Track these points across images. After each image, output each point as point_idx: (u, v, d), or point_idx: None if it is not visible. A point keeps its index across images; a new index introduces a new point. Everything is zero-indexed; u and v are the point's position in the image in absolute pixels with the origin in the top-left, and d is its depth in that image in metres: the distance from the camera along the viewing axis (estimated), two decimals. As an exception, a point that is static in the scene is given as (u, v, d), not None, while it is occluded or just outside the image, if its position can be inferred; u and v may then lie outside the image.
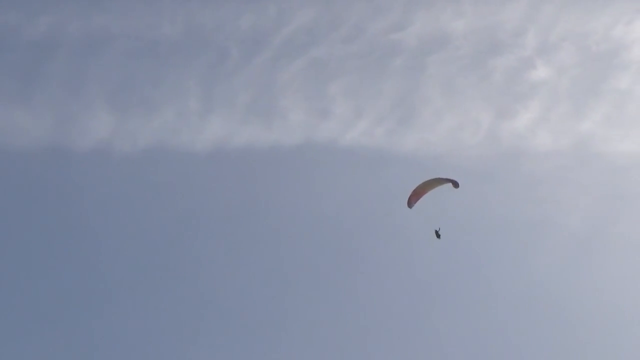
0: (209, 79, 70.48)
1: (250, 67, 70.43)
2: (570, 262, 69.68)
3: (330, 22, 71.04)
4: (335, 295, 68.58)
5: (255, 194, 70.89)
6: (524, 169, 70.31)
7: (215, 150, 69.57)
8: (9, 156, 68.36)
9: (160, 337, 63.68)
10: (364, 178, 70.88)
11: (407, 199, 48.12)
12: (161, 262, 69.22)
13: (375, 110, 70.02)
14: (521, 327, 68.06)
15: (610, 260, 70.09)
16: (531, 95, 70.42)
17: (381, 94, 70.57)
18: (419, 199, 47.56)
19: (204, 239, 70.27)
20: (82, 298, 65.89)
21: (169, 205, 70.69)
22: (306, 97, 70.34)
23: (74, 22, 69.67)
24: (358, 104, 70.10)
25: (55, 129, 68.76)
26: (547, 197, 70.46)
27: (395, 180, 71.08)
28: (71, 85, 69.85)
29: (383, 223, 70.60)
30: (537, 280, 69.11)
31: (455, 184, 47.55)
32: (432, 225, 69.95)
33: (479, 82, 71.17)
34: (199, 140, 69.41)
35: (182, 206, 70.71)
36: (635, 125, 70.55)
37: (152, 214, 70.29)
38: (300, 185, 71.20)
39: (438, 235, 50.46)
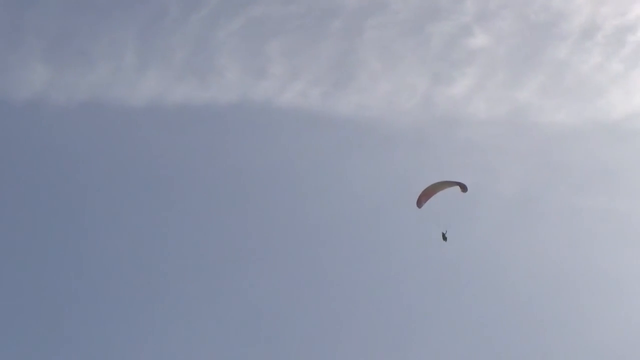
0: (146, 34, 70.11)
1: (188, 24, 70.06)
2: (504, 229, 69.82)
3: (269, -18, 70.85)
4: (266, 252, 68.75)
5: (189, 151, 70.69)
6: (459, 136, 70.31)
7: (150, 106, 69.26)
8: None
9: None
10: (298, 139, 70.77)
11: (417, 199, 47.59)
12: (92, 215, 69.09)
13: (312, 72, 69.90)
14: (451, 294, 68.33)
15: (543, 228, 70.31)
16: (468, 62, 70.39)
17: (318, 55, 70.41)
18: (428, 199, 47.25)
19: (136, 194, 70.12)
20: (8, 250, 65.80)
21: (103, 159, 70.45)
22: (243, 56, 70.10)
23: (10, -28, 69.27)
24: (295, 64, 69.94)
25: (-11, 79, 68.40)
26: (481, 164, 70.46)
27: (330, 143, 71.13)
28: (7, 37, 69.33)
29: (316, 184, 70.65)
30: (469, 247, 69.14)
31: (464, 188, 47.08)
32: (363, 183, 70.40)
33: (416, 47, 71.09)
34: (135, 95, 69.07)
35: (116, 160, 70.46)
36: (571, 95, 70.70)
37: (86, 166, 70.11)
38: (234, 144, 70.99)
39: (445, 238, 49.47)
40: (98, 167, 70.00)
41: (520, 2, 70.90)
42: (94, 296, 63.92)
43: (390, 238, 70.11)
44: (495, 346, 64.53)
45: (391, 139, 70.25)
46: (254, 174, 70.52)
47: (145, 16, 70.15)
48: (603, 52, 70.13)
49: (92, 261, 65.82)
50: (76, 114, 69.18)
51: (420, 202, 48.00)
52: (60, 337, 62.20)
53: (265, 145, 70.70)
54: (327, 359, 63.11)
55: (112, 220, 68.64)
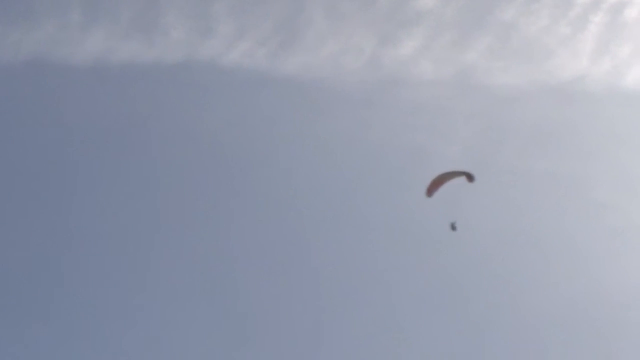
0: (92, -9, 69.58)
1: (133, -18, 69.56)
2: (450, 190, 69.54)
3: (217, -61, 70.24)
4: (209, 213, 68.67)
5: (135, 111, 70.33)
6: (405, 97, 70.02)
7: (96, 64, 68.78)
8: None
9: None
10: (244, 99, 70.37)
11: (426, 188, 47.31)
12: (36, 176, 68.87)
13: (258, 31, 69.32)
14: (392, 258, 68.50)
15: (488, 191, 69.97)
16: (415, 23, 69.87)
17: (265, 15, 69.79)
18: (437, 188, 46.96)
19: (81, 154, 69.86)
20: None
21: (47, 119, 70.06)
22: (189, 15, 69.48)
23: None
24: (241, 24, 69.35)
25: None
26: (427, 126, 70.34)
27: (275, 103, 70.84)
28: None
29: (261, 143, 70.46)
30: (412, 209, 69.05)
31: (471, 178, 46.70)
32: (309, 143, 70.29)
33: (363, 7, 70.57)
34: (80, 53, 68.54)
35: (61, 120, 70.12)
36: (518, 57, 70.35)
37: (30, 125, 69.72)
38: (180, 103, 70.65)
39: (454, 228, 49.10)
40: (42, 125, 69.67)
41: (467, -36, 70.53)
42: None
43: (339, 198, 70.13)
44: (432, 310, 64.96)
45: (337, 100, 70.03)
46: (199, 134, 70.32)
47: (90, -26, 69.56)
48: (551, 14, 69.85)
49: (34, 226, 65.76)
50: (20, 72, 68.73)
51: (430, 192, 47.69)
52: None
53: (210, 104, 70.49)
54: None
55: (55, 181, 68.43)
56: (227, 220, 68.72)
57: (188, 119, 70.21)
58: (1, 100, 69.17)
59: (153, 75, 69.56)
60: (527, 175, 69.54)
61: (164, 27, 69.05)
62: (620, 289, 66.58)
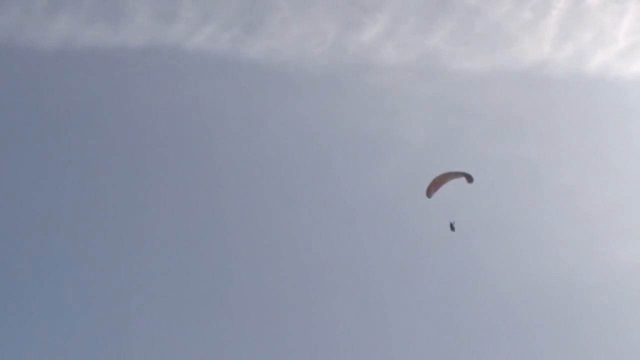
0: (56, -24, 69.56)
1: (97, -34, 69.59)
2: (412, 176, 69.82)
3: None
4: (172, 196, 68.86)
5: (99, 95, 70.42)
6: (368, 82, 70.25)
7: (60, 48, 68.80)
8: None
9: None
10: (208, 84, 70.50)
11: (426, 189, 47.33)
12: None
13: (222, 16, 69.35)
14: (358, 239, 68.68)
15: (451, 176, 70.30)
16: (379, 8, 70.02)
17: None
18: (437, 189, 47.02)
19: (46, 137, 69.97)
20: None
21: (12, 102, 70.15)
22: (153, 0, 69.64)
23: None
24: (205, 8, 69.41)
25: None
26: (391, 110, 70.60)
27: (240, 88, 70.98)
28: None
29: (225, 129, 70.67)
30: (378, 192, 69.46)
31: (470, 179, 46.65)
32: (272, 128, 70.40)
33: (327, -8, 70.73)
34: (45, 38, 68.56)
35: (25, 104, 70.17)
36: (481, 43, 70.58)
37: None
38: (144, 88, 70.74)
39: (452, 228, 49.02)
40: (6, 109, 69.73)
41: (431, -52, 70.67)
42: None
43: (303, 182, 70.40)
44: (397, 292, 65.20)
45: (301, 84, 70.21)
46: (163, 118, 70.50)
47: (55, -43, 69.52)
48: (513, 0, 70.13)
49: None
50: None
51: (429, 192, 47.88)
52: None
53: (175, 89, 70.59)
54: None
55: (19, 164, 68.53)
56: (190, 201, 68.99)
57: (153, 103, 70.38)
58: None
59: (117, 60, 69.70)
60: (490, 160, 69.82)
61: (128, 12, 69.14)
62: (585, 273, 66.87)
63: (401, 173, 69.62)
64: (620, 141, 70.27)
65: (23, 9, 68.83)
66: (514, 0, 69.53)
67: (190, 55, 68.90)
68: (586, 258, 67.08)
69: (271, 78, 69.96)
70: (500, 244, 68.10)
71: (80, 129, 70.05)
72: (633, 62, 68.97)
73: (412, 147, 69.87)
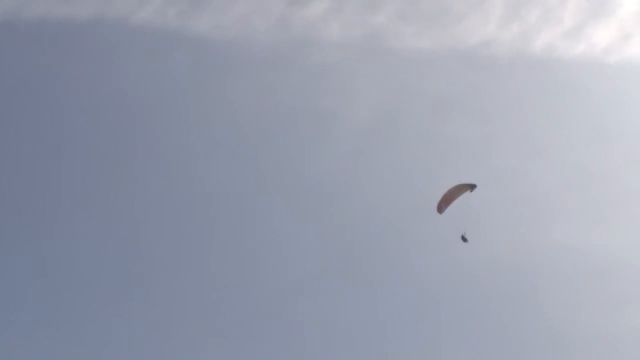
0: (3, -53, 69.38)
1: (44, -62, 69.34)
2: (357, 154, 70.15)
3: None
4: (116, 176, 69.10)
5: (46, 67, 70.38)
6: (313, 59, 70.09)
7: (6, 20, 68.78)
8: None
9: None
10: (154, 58, 70.47)
11: (437, 205, 47.45)
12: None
13: (168, -10, 69.30)
14: (301, 216, 68.93)
15: (395, 153, 70.61)
16: (325, -15, 69.88)
17: (175, -27, 69.79)
18: (448, 205, 47.25)
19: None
20: None
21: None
22: (100, -28, 69.47)
23: None
24: (151, -18, 69.30)
25: None
26: (335, 88, 70.59)
27: (185, 63, 70.98)
28: None
29: (171, 103, 70.71)
30: (322, 168, 69.67)
31: (472, 187, 46.69)
32: (218, 104, 70.42)
33: (273, -32, 70.53)
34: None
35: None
36: (427, 21, 70.48)
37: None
38: (90, 62, 70.68)
39: (465, 240, 49.29)
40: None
41: None
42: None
43: (246, 159, 70.52)
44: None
45: (246, 60, 70.14)
46: (109, 93, 70.50)
47: None
48: (460, -22, 70.01)
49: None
50: None
51: (440, 209, 47.95)
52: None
53: (121, 63, 70.54)
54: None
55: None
56: (132, 177, 69.26)
57: (98, 76, 70.38)
58: None
59: (64, 32, 69.67)
60: (434, 139, 70.02)
61: (75, -15, 69.02)
62: (525, 254, 67.00)
63: (345, 150, 69.88)
64: (563, 122, 70.31)
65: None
66: (461, -20, 69.49)
67: (136, 28, 68.86)
68: (527, 238, 67.24)
69: (217, 53, 69.98)
70: (440, 223, 67.99)
71: (26, 101, 70.10)
72: (578, 42, 69.04)
73: (356, 125, 70.03)
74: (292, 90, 70.24)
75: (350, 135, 69.69)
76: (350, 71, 70.20)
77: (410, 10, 70.19)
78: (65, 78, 70.31)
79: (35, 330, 61.58)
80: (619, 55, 69.22)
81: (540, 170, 69.19)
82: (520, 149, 69.90)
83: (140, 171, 69.41)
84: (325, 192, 69.07)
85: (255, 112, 70.17)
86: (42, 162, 69.00)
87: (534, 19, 69.31)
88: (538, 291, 65.12)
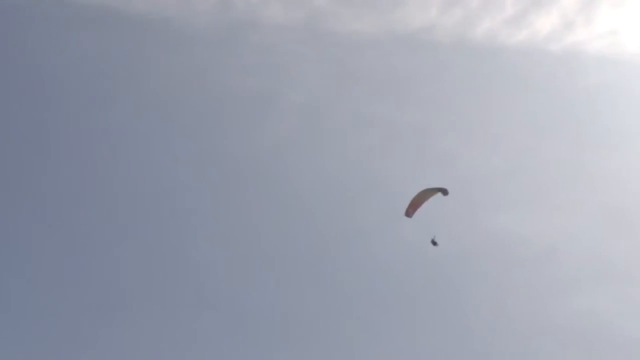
0: None
1: None
2: (296, 135, 69.71)
3: None
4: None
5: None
6: (254, 40, 69.64)
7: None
8: None
9: None
10: (93, 37, 69.61)
11: (405, 210, 46.83)
12: None
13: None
14: (239, 197, 68.50)
15: (335, 136, 70.37)
16: (266, -35, 69.43)
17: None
18: (416, 209, 46.56)
19: None
20: None
21: None
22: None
23: None
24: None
25: None
26: (275, 69, 70.11)
27: (124, 42, 70.23)
28: None
29: (108, 84, 69.94)
30: (263, 150, 69.27)
31: (445, 192, 46.22)
32: (159, 83, 69.80)
33: (214, -54, 69.93)
34: None
35: None
36: (368, 4, 70.30)
37: None
38: (28, 40, 69.75)
39: (434, 243, 48.86)
40: None
41: None
42: None
43: (185, 137, 70.00)
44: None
45: (186, 40, 69.51)
46: (47, 71, 69.65)
47: None
48: (402, -37, 69.77)
49: None
50: None
51: (409, 213, 47.29)
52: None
53: (60, 41, 69.66)
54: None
55: None
56: (59, 162, 68.53)
57: (37, 54, 69.42)
58: None
59: (1, 8, 68.75)
60: (373, 123, 69.72)
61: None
62: (464, 239, 66.75)
63: (285, 132, 69.46)
64: (502, 108, 70.21)
65: None
66: (402, -36, 69.23)
67: (74, 5, 68.07)
68: (465, 223, 66.95)
69: (156, 32, 69.28)
70: (378, 208, 67.79)
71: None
72: (519, 30, 68.99)
73: (296, 107, 69.60)
74: (231, 71, 69.87)
75: (289, 117, 69.30)
76: (290, 53, 69.76)
77: (350, -8, 69.91)
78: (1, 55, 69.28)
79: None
80: (560, 43, 69.31)
81: (479, 156, 69.17)
82: (459, 135, 69.91)
83: (72, 152, 68.47)
84: (263, 172, 68.66)
85: (194, 92, 69.61)
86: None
87: (476, 5, 69.30)
88: (476, 277, 64.96)
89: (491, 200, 67.61)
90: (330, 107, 69.51)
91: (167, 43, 69.73)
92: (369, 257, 65.90)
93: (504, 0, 69.03)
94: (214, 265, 64.91)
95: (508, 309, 63.65)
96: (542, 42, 69.03)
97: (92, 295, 63.05)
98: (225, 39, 69.64)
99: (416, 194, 47.77)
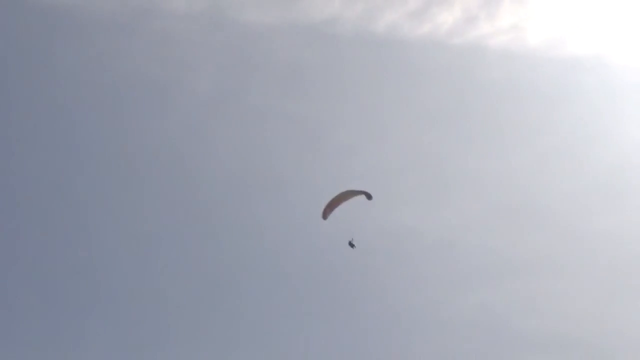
0: None
1: None
2: (197, 125, 69.50)
3: None
4: None
5: None
6: (156, 28, 69.00)
7: None
8: None
9: None
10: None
11: (322, 211, 46.56)
12: None
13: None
14: (139, 186, 68.32)
15: (234, 126, 70.30)
16: (167, -46, 68.64)
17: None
18: (332, 210, 46.10)
19: None
20: None
21: None
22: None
23: None
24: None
25: None
26: (177, 58, 69.68)
27: (25, 29, 69.34)
28: None
29: (9, 67, 69.25)
30: (163, 139, 69.10)
31: (369, 196, 45.57)
32: (65, 70, 69.09)
33: None
34: None
35: None
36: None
37: None
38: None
39: (352, 245, 48.88)
40: None
41: None
42: None
43: (88, 124, 69.58)
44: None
45: (87, 27, 68.78)
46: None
47: None
48: (308, -46, 69.29)
49: None
50: None
51: (325, 214, 47.13)
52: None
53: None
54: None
55: None
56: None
57: None
58: None
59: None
60: (272, 114, 69.66)
61: None
62: (359, 233, 66.89)
63: (185, 122, 69.28)
64: (402, 102, 70.43)
65: None
66: (308, -45, 68.77)
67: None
68: (362, 218, 66.99)
69: (56, 19, 68.45)
70: (274, 200, 68.02)
71: None
72: (422, 24, 69.03)
73: (197, 97, 69.35)
74: (132, 59, 69.20)
75: (190, 107, 69.11)
76: (192, 42, 69.38)
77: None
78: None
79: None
80: (463, 37, 69.53)
81: (378, 149, 69.44)
82: (359, 128, 70.06)
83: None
84: (164, 161, 68.57)
85: (94, 79, 69.01)
86: None
87: (379, -2, 69.11)
88: (371, 272, 65.33)
89: (387, 194, 67.68)
90: (231, 98, 69.52)
91: (68, 30, 69.10)
92: (262, 250, 66.29)
93: (407, -6, 69.07)
94: (93, 253, 64.84)
95: (403, 303, 64.31)
96: (445, 36, 69.27)
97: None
98: (126, 27, 69.05)
99: (334, 195, 47.33)
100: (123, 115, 69.26)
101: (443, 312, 63.51)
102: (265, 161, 68.39)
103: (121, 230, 65.77)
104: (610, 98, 70.63)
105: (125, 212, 66.46)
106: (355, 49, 69.56)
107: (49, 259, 63.83)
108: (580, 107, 70.76)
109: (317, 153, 69.06)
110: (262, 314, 62.37)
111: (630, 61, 70.03)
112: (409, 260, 66.47)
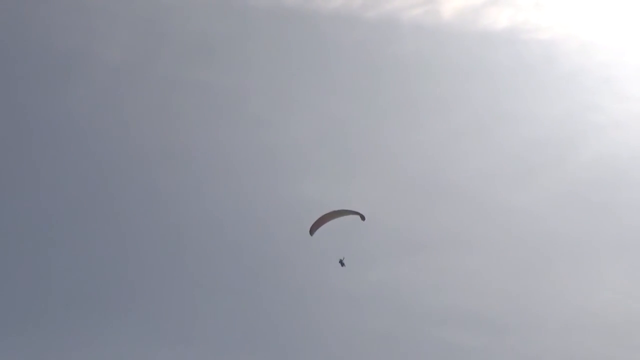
0: None
1: None
2: (107, 95, 68.75)
3: None
4: None
5: None
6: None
7: None
8: None
9: None
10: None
11: (310, 227, 45.83)
12: None
13: None
14: (52, 156, 67.54)
15: (146, 97, 69.64)
16: None
17: None
18: (319, 227, 45.71)
19: None
20: None
21: None
22: None
23: None
24: None
25: None
26: (86, 27, 68.61)
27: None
28: None
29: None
30: (74, 111, 68.38)
31: (362, 217, 45.29)
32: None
33: None
34: None
35: None
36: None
37: None
38: None
39: (342, 264, 47.94)
40: None
41: None
42: None
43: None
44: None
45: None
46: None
47: None
48: None
49: None
50: None
51: (312, 231, 46.43)
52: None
53: None
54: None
55: None
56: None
57: None
58: None
59: None
60: (185, 85, 68.96)
61: None
62: (270, 205, 66.78)
63: (97, 92, 68.44)
64: (315, 75, 70.01)
65: None
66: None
67: None
68: (270, 190, 66.95)
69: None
70: (183, 171, 67.56)
71: None
72: (334, -4, 68.37)
73: (106, 67, 68.46)
74: (42, 29, 68.04)
75: (101, 76, 68.23)
76: (101, 10, 68.29)
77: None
78: None
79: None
80: (376, 10, 68.99)
81: (288, 123, 68.90)
82: (270, 99, 69.43)
83: None
84: (75, 131, 67.78)
85: (2, 49, 67.81)
86: None
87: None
88: (278, 244, 65.01)
89: (298, 167, 67.70)
90: (143, 68, 68.67)
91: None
92: (164, 224, 65.78)
93: (321, -34, 68.34)
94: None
95: (307, 278, 64.00)
96: (358, 9, 68.75)
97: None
98: (33, -6, 67.80)
99: (325, 212, 46.77)
100: (32, 86, 68.28)
101: (349, 287, 63.14)
102: (175, 132, 67.78)
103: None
104: (523, 73, 70.54)
105: (31, 181, 65.64)
106: (268, 20, 69.03)
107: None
108: (493, 82, 70.54)
109: (227, 124, 68.45)
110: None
111: (543, 35, 69.74)
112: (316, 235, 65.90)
